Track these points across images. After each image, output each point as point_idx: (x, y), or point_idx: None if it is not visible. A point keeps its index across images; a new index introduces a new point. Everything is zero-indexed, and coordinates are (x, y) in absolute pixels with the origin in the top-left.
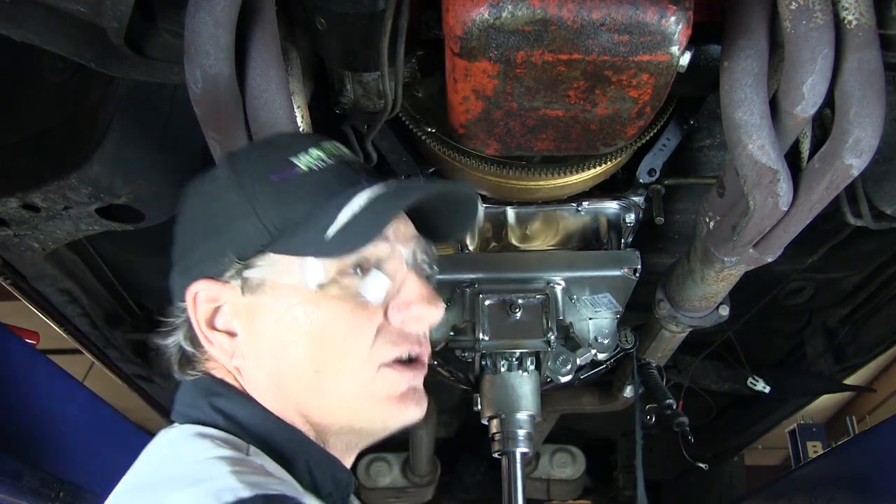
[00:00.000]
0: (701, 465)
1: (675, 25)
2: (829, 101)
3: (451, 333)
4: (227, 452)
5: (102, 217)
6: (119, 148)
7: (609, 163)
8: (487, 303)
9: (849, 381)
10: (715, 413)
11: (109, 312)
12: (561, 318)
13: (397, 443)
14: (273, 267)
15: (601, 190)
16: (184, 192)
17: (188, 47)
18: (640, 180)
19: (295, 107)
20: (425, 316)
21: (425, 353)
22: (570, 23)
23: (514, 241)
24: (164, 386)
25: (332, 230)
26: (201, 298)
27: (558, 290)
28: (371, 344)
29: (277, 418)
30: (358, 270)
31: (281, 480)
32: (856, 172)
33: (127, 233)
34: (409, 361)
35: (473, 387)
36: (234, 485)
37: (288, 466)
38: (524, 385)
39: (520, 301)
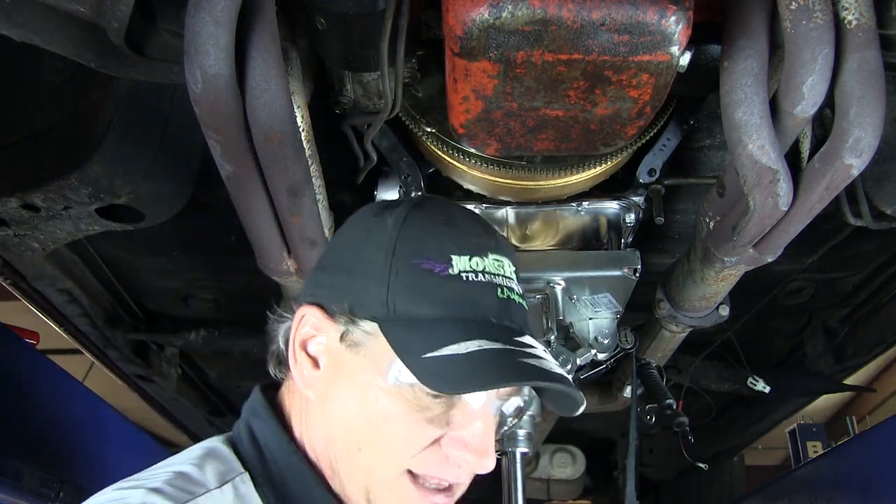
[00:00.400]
0: (701, 465)
1: (675, 25)
2: (829, 101)
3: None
4: (189, 469)
5: (102, 217)
6: (119, 148)
7: (609, 163)
8: None
9: (849, 381)
10: (715, 413)
11: (109, 312)
12: (561, 318)
13: None
14: (376, 340)
15: (601, 190)
16: (362, 210)
17: (188, 47)
18: (640, 180)
19: (295, 107)
20: (471, 465)
21: (462, 488)
22: (570, 23)
23: (514, 241)
24: (164, 386)
25: (430, 355)
26: (307, 322)
27: (558, 290)
28: (413, 453)
29: (302, 458)
30: (441, 398)
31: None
32: (856, 172)
33: (127, 233)
34: (442, 489)
35: None
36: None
37: (284, 501)
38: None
39: None
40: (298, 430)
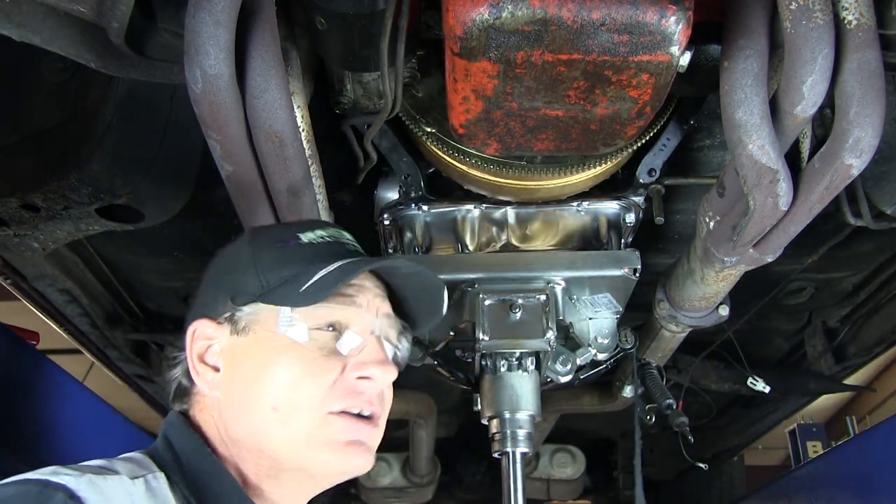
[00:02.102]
0: (701, 465)
1: (675, 25)
2: (829, 101)
3: (451, 333)
4: (99, 462)
5: (102, 217)
6: (119, 148)
7: (609, 163)
8: (487, 303)
9: (849, 381)
10: (715, 413)
11: (109, 312)
12: (561, 318)
13: (397, 443)
14: (258, 314)
15: (601, 190)
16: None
17: (188, 47)
18: (640, 180)
19: (295, 107)
20: (374, 375)
21: (380, 414)
22: (570, 23)
23: (514, 241)
24: (164, 386)
25: (305, 286)
26: (198, 335)
27: (558, 290)
28: (325, 392)
29: (216, 459)
30: (330, 328)
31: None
32: (856, 172)
33: (127, 233)
34: (363, 418)
35: (473, 387)
36: (48, 475)
37: (199, 498)
38: (524, 385)
39: (520, 301)
40: (217, 437)
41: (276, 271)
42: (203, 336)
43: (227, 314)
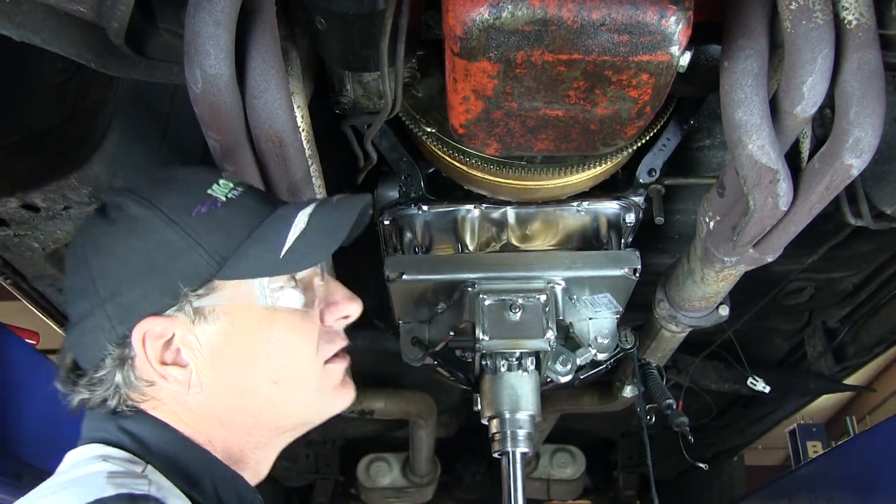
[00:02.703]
0: (701, 464)
1: (675, 25)
2: (829, 101)
3: (451, 333)
4: (116, 467)
5: None
6: (119, 148)
7: (609, 163)
8: (487, 303)
9: (849, 381)
10: (715, 413)
11: None
12: (561, 318)
13: (397, 443)
14: (223, 293)
15: (601, 190)
16: (82, 244)
17: (188, 47)
18: (640, 180)
19: (295, 107)
20: (353, 312)
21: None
22: (570, 23)
23: (514, 241)
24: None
25: (284, 249)
26: (151, 336)
27: (558, 290)
28: (317, 346)
29: (187, 440)
30: (292, 283)
31: (160, 487)
32: (856, 172)
33: None
34: (343, 351)
35: (473, 387)
36: (100, 486)
37: (194, 485)
38: (524, 385)
39: (520, 301)
40: (187, 428)
41: (225, 240)
42: (157, 336)
43: (176, 305)
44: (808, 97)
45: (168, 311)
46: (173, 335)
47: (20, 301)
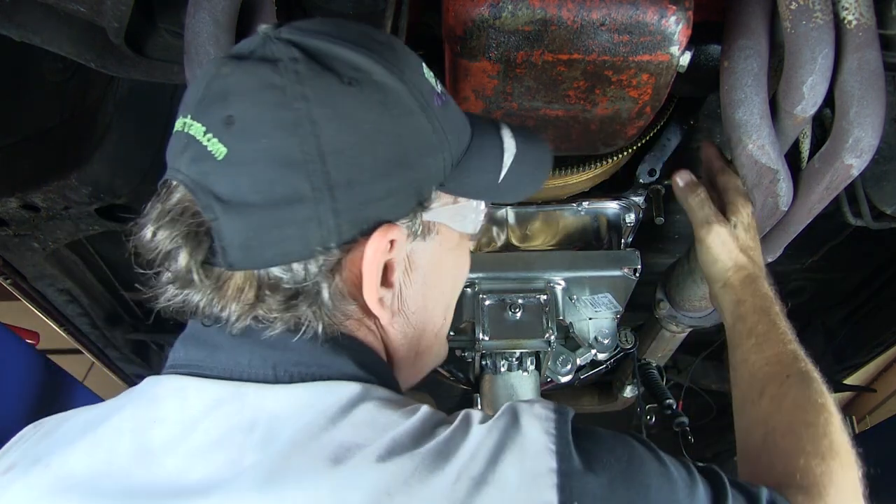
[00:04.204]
0: (701, 464)
1: (675, 25)
2: (829, 101)
3: (452, 333)
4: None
5: (102, 217)
6: (119, 148)
7: (609, 163)
8: (487, 303)
9: (849, 381)
10: (715, 413)
11: (109, 312)
12: (561, 318)
13: None
14: (444, 208)
15: (601, 190)
16: (304, 96)
17: (188, 47)
18: (640, 180)
19: None
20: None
21: None
22: (570, 23)
23: (514, 241)
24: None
25: (503, 174)
26: (384, 248)
27: (558, 290)
28: None
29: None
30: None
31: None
32: (856, 172)
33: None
34: None
35: (473, 387)
36: (538, 426)
37: None
38: (524, 385)
39: (520, 301)
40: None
41: (457, 147)
42: (385, 249)
43: (413, 213)
44: (808, 97)
45: (402, 220)
46: (399, 250)
47: (20, 301)
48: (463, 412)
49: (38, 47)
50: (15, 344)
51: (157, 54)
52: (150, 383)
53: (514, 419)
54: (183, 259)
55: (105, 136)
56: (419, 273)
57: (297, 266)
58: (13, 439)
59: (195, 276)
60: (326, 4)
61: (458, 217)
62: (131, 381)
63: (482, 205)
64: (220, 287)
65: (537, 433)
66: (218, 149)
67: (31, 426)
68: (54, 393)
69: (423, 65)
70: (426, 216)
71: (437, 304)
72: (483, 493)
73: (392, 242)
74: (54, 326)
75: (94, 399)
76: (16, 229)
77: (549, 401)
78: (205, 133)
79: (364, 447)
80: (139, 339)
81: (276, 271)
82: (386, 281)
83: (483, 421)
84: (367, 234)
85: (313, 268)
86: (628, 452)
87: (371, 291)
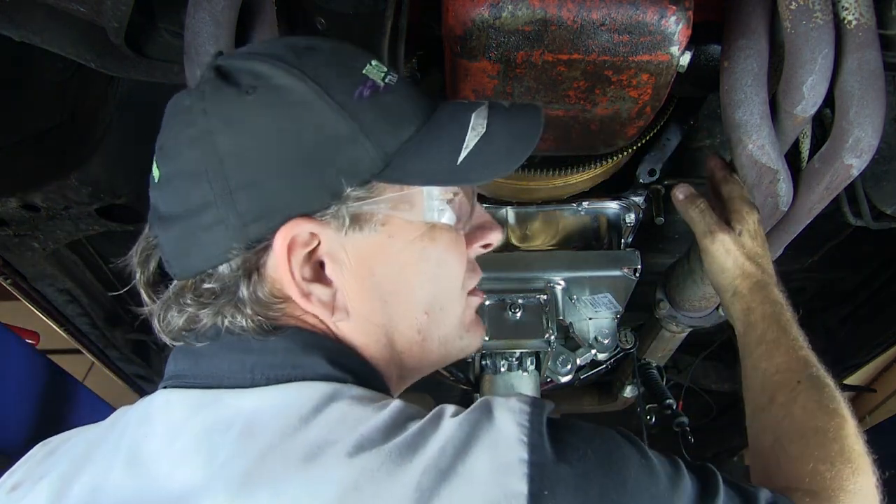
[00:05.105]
0: (697, 463)
1: (675, 25)
2: (829, 101)
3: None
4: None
5: (102, 217)
6: (119, 148)
7: (609, 163)
8: (487, 303)
9: (849, 381)
10: (715, 413)
11: (109, 312)
12: (561, 318)
13: None
14: (385, 198)
15: (601, 190)
16: (203, 111)
17: (188, 47)
18: (640, 180)
19: None
20: (496, 241)
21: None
22: (570, 23)
23: (514, 241)
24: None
25: (462, 155)
26: (299, 242)
27: (558, 290)
28: (464, 272)
29: (380, 376)
30: (456, 199)
31: None
32: (856, 172)
33: (127, 233)
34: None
35: (473, 387)
36: (509, 411)
37: None
38: (524, 385)
39: (520, 301)
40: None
41: (391, 135)
42: (302, 243)
43: (332, 207)
44: (808, 97)
45: (321, 215)
46: (318, 244)
47: (20, 301)
48: (437, 407)
49: (38, 47)
50: (15, 344)
51: (157, 54)
52: (145, 402)
53: (487, 412)
54: (139, 280)
55: (105, 136)
56: (365, 268)
57: (221, 268)
58: (23, 458)
59: (143, 292)
60: (326, 4)
61: (404, 206)
62: (131, 381)
63: (443, 191)
64: (176, 298)
65: (509, 425)
66: (157, 173)
67: (38, 445)
68: (54, 393)
69: (371, 60)
70: (354, 207)
71: (407, 301)
72: (451, 483)
73: (312, 235)
74: (54, 326)
75: (95, 399)
76: (16, 229)
77: (528, 395)
78: (154, 162)
79: (335, 444)
80: (139, 339)
81: (205, 276)
82: (322, 278)
83: (455, 414)
84: (276, 230)
85: (230, 268)
86: (607, 444)
87: (290, 287)
